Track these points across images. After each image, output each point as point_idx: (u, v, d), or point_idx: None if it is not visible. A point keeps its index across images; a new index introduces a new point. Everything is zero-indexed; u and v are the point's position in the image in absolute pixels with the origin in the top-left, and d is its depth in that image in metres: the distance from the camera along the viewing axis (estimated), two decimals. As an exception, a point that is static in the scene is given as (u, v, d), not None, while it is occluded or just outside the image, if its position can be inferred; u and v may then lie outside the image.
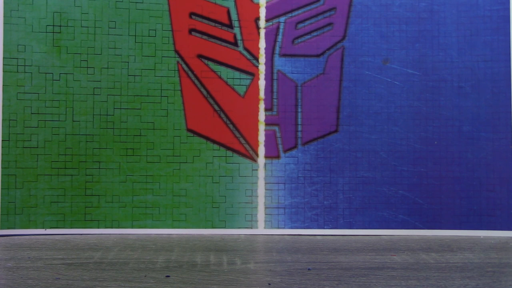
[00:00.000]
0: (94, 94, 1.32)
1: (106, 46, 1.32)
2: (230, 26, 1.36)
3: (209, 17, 1.35)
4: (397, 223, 1.34)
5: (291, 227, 1.34)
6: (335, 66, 1.36)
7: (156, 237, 1.28)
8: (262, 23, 1.37)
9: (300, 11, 1.37)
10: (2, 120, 1.28)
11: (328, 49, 1.36)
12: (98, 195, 1.31)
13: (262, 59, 1.36)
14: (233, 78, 1.35)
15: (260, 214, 1.34)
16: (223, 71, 1.35)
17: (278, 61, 1.36)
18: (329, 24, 1.37)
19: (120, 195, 1.32)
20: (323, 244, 1.22)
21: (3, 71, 1.28)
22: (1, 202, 1.27)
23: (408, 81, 1.36)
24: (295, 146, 1.35)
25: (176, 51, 1.34)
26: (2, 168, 1.28)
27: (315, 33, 1.37)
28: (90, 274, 0.93)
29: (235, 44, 1.36)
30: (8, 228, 1.28)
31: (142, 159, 1.33)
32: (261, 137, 1.35)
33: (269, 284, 0.88)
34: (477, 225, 1.33)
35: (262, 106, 1.36)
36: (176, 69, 1.34)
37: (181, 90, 1.34)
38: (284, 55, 1.36)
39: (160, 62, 1.34)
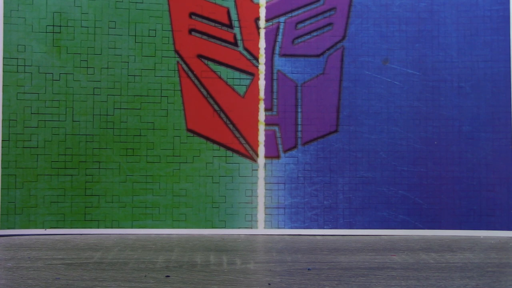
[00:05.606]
0: (94, 94, 1.32)
1: (106, 46, 1.32)
2: (230, 26, 1.36)
3: (209, 17, 1.35)
4: (397, 223, 1.34)
5: (291, 227, 1.34)
6: (335, 66, 1.36)
7: (156, 237, 1.28)
8: (262, 23, 1.36)
9: (300, 11, 1.37)
10: (2, 120, 1.28)
11: (328, 49, 1.36)
12: (98, 195, 1.31)
13: (262, 59, 1.36)
14: (233, 78, 1.35)
15: (260, 214, 1.34)
16: (223, 71, 1.35)
17: (278, 61, 1.36)
18: (329, 24, 1.37)
19: (120, 195, 1.32)
20: (323, 244, 1.22)
21: (3, 71, 1.28)
22: (1, 202, 1.27)
23: (408, 81, 1.36)
24: (295, 146, 1.35)
25: (176, 51, 1.34)
26: (2, 168, 1.28)
27: (315, 33, 1.37)
28: (90, 274, 0.93)
29: (235, 44, 1.36)
30: (8, 228, 1.28)
31: (142, 159, 1.33)
32: (261, 137, 1.35)
33: (269, 284, 0.88)
34: (477, 225, 1.33)
35: (262, 106, 1.36)
36: (176, 69, 1.34)
37: (181, 90, 1.34)
38: (284, 55, 1.36)
39: (160, 62, 1.34)
